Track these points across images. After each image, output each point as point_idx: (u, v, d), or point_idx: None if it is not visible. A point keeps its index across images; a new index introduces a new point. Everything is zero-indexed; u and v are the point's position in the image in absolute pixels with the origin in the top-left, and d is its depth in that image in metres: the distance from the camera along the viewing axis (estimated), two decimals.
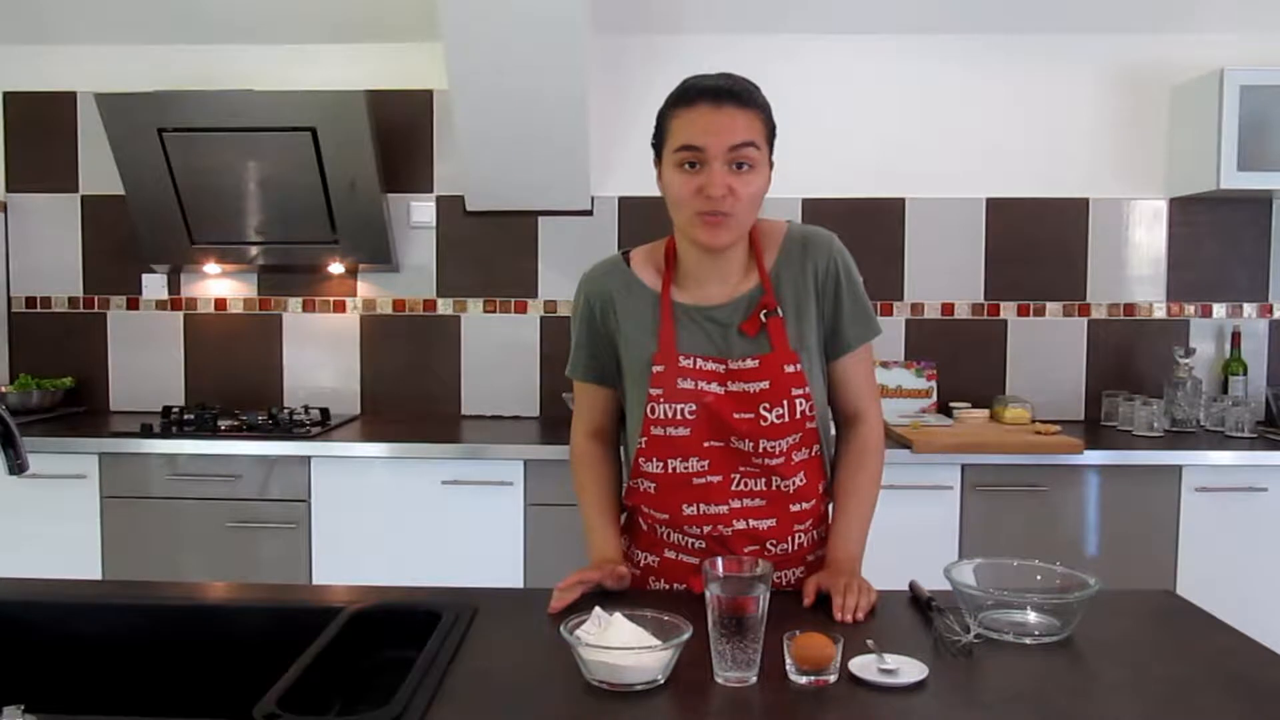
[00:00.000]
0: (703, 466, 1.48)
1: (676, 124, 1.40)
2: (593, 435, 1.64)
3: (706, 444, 1.48)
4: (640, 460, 1.51)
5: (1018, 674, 1.18)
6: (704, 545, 1.52)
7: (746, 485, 1.49)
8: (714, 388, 1.47)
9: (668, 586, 1.56)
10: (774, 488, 1.49)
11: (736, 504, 1.49)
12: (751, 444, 1.46)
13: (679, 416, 1.46)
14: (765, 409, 1.45)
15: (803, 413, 1.47)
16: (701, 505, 1.49)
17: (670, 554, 1.55)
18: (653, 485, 1.52)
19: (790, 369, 1.46)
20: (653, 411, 1.47)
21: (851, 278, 1.52)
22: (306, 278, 3.46)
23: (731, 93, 1.39)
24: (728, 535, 1.50)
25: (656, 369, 1.48)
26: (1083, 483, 2.81)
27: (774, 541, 1.51)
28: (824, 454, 1.56)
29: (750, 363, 1.46)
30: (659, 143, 1.46)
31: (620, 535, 1.60)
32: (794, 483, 1.50)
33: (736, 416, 1.46)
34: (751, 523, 1.50)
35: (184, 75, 3.34)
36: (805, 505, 1.52)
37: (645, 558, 1.58)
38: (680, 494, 1.50)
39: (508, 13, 2.75)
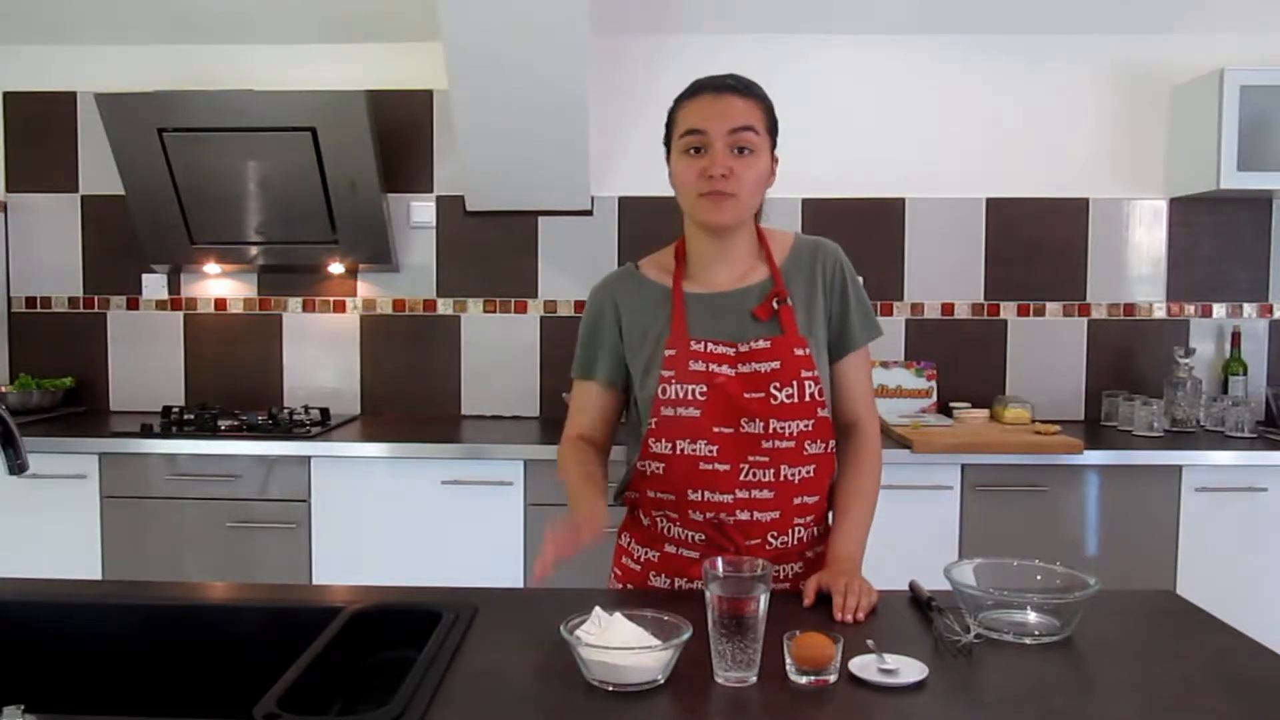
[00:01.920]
0: (711, 451, 1.49)
1: (682, 114, 1.51)
2: (582, 438, 1.64)
3: (716, 429, 1.49)
4: (650, 441, 1.52)
5: (1018, 674, 1.18)
6: (704, 538, 1.53)
7: (754, 476, 1.50)
8: (725, 370, 1.50)
9: (668, 581, 1.57)
10: (781, 478, 1.50)
11: (743, 494, 1.50)
12: (762, 424, 1.49)
13: (690, 397, 1.49)
14: (775, 388, 1.49)
15: (812, 396, 1.50)
16: (707, 492, 1.50)
17: (670, 548, 1.57)
18: (661, 466, 1.53)
19: (800, 351, 1.51)
20: (664, 392, 1.50)
21: (856, 281, 1.61)
22: (306, 278, 3.46)
23: (732, 85, 1.50)
24: (729, 524, 1.51)
25: (668, 353, 1.51)
26: (1083, 483, 2.81)
27: (774, 534, 1.52)
28: (835, 453, 1.58)
29: (762, 343, 1.51)
30: (668, 139, 1.55)
31: (604, 501, 1.51)
32: (800, 473, 1.51)
33: (747, 396, 1.49)
34: (755, 514, 1.51)
35: (184, 75, 3.34)
36: (809, 500, 1.54)
37: (645, 553, 1.60)
38: (687, 478, 1.51)
39: (508, 13, 2.75)
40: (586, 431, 1.65)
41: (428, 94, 3.39)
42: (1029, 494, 2.80)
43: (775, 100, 1.53)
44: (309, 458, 2.86)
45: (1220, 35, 3.27)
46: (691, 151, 1.47)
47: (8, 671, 1.37)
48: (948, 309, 3.40)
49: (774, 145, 1.53)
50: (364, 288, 3.46)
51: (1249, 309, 3.38)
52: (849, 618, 1.34)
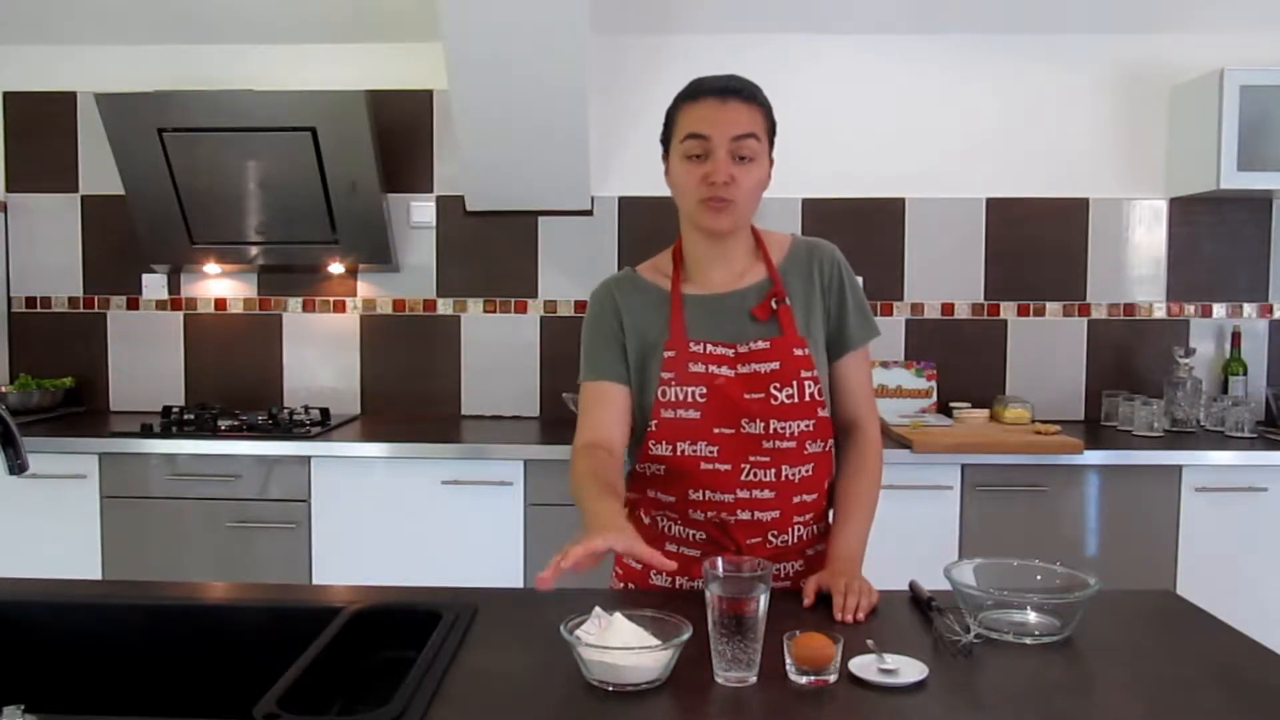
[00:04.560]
0: (712, 452, 1.50)
1: (684, 117, 1.49)
2: (595, 443, 1.53)
3: (716, 430, 1.49)
4: (650, 444, 1.52)
5: (1018, 674, 1.18)
6: (705, 536, 1.53)
7: (755, 475, 1.50)
8: (725, 371, 1.50)
9: (669, 580, 1.57)
10: (782, 478, 1.50)
11: (744, 494, 1.50)
12: (762, 425, 1.49)
13: (690, 399, 1.49)
14: (775, 388, 1.49)
15: (812, 395, 1.50)
16: (708, 492, 1.51)
17: (671, 547, 1.57)
18: (661, 468, 1.53)
19: (799, 351, 1.51)
20: (664, 394, 1.50)
21: (853, 281, 1.61)
22: (306, 278, 3.46)
23: (736, 90, 1.48)
24: (730, 523, 1.51)
25: (668, 354, 1.51)
26: (1083, 483, 2.81)
27: (775, 532, 1.53)
28: (834, 451, 1.58)
29: (761, 344, 1.51)
30: (667, 138, 1.54)
31: (617, 504, 1.42)
32: (801, 472, 1.51)
33: (747, 397, 1.49)
34: (756, 514, 1.51)
35: (184, 75, 3.34)
36: (809, 498, 1.54)
37: None
38: (688, 479, 1.51)
39: (508, 13, 2.75)
40: (598, 436, 1.53)
41: (428, 94, 3.39)
42: (1029, 494, 2.80)
43: (775, 100, 1.53)
44: (309, 458, 2.86)
45: (1220, 35, 3.27)
46: (693, 156, 1.46)
47: (8, 671, 1.37)
48: (948, 309, 3.40)
49: (771, 148, 1.53)
50: (364, 288, 3.46)
51: (1249, 309, 3.38)
52: (849, 618, 1.33)
